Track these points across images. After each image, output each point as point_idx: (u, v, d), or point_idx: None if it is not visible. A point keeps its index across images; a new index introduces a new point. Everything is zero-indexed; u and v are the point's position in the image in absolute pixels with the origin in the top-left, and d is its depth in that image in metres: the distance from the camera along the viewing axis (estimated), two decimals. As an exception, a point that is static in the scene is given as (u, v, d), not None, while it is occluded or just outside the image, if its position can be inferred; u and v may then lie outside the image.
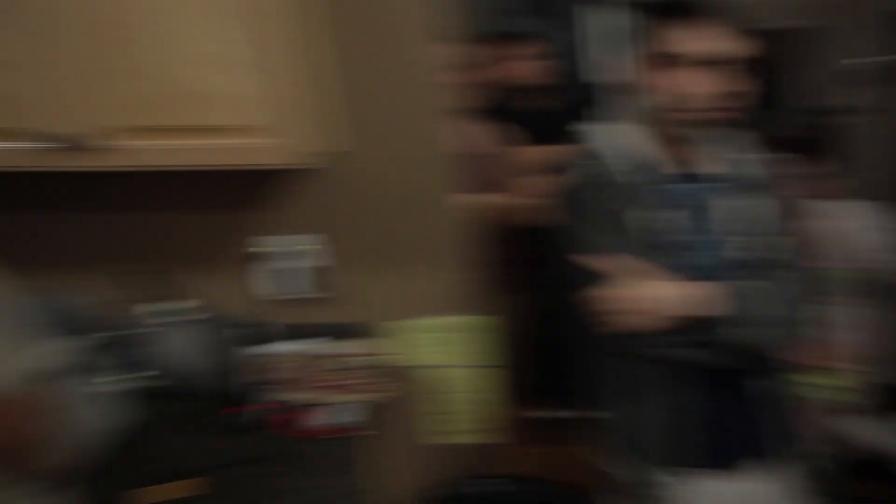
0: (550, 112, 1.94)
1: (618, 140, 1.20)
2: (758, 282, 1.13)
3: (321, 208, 1.41)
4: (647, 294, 1.07)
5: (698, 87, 1.09)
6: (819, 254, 1.76)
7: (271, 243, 1.42)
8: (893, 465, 1.90)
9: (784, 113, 2.21)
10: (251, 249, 1.43)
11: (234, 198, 1.42)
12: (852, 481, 1.98)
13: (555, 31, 2.41)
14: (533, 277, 1.80)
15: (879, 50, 4.01)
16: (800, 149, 1.74)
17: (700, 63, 1.08)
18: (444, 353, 1.44)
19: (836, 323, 1.82)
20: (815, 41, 4.97)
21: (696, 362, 1.12)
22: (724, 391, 1.19)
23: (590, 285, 1.10)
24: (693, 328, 1.07)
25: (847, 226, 1.84)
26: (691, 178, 1.19)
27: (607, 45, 2.77)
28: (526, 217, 1.57)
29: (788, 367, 1.27)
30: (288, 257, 1.41)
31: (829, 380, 1.82)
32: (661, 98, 1.12)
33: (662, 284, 1.09)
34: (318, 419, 1.28)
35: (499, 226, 1.62)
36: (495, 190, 1.64)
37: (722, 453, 1.20)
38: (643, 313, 1.05)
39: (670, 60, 1.09)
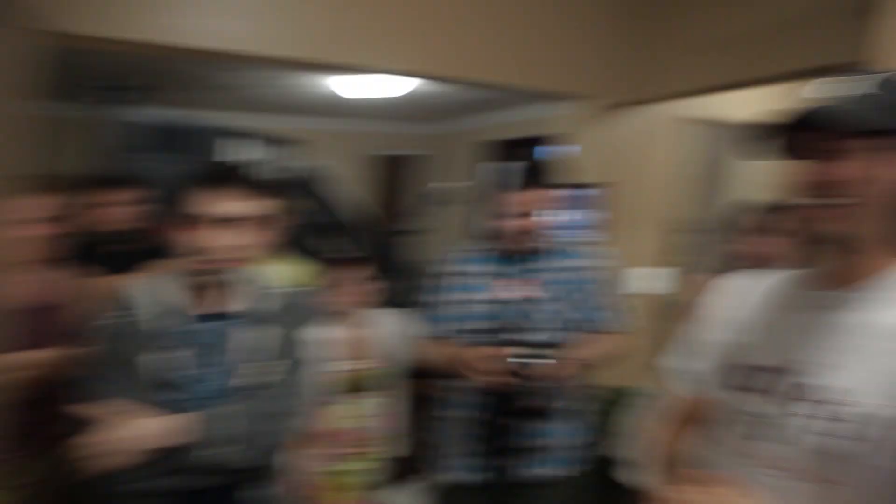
0: (138, 254, 1.87)
1: (151, 289, 1.36)
2: (234, 405, 1.30)
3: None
4: (122, 433, 1.20)
5: (215, 241, 1.29)
6: (357, 354, 2.07)
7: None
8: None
9: (343, 234, 2.56)
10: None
11: None
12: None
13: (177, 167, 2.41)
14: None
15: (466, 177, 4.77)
16: (349, 265, 2.04)
17: (217, 221, 1.29)
18: None
19: (366, 414, 2.12)
20: (417, 168, 6.12)
21: (170, 489, 1.24)
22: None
23: (81, 433, 1.20)
24: (165, 457, 1.21)
25: (380, 330, 2.13)
26: (215, 317, 1.37)
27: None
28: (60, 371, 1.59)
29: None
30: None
31: (360, 464, 2.10)
32: (186, 251, 1.34)
33: (139, 422, 1.23)
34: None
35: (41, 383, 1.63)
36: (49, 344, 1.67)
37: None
38: (118, 452, 1.17)
39: (193, 220, 1.30)
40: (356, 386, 2.18)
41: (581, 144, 2.54)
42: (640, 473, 1.06)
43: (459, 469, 1.76)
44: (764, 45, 2.02)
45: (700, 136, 3.64)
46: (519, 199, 1.65)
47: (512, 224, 1.68)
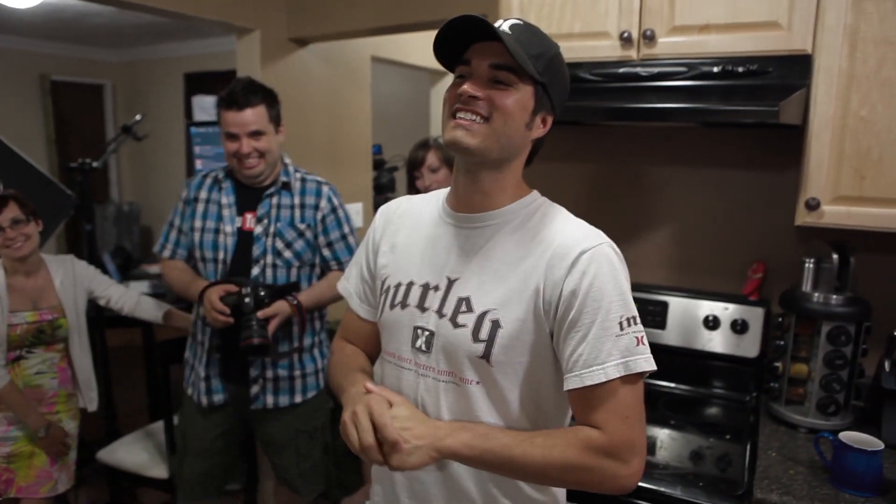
0: None
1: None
2: None
3: None
4: None
5: None
6: (33, 305, 1.94)
7: None
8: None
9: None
10: None
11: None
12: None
13: None
14: None
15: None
16: None
17: None
18: None
19: (48, 369, 2.01)
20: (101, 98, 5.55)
21: None
22: None
23: None
24: None
25: (56, 277, 2.02)
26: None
27: None
28: None
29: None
30: None
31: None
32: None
33: None
34: None
35: None
36: None
37: None
38: None
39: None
40: (35, 339, 1.96)
41: (265, 78, 2.54)
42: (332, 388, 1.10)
43: (204, 391, 1.77)
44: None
45: (400, 77, 3.89)
46: (235, 118, 1.60)
47: (233, 146, 1.63)
